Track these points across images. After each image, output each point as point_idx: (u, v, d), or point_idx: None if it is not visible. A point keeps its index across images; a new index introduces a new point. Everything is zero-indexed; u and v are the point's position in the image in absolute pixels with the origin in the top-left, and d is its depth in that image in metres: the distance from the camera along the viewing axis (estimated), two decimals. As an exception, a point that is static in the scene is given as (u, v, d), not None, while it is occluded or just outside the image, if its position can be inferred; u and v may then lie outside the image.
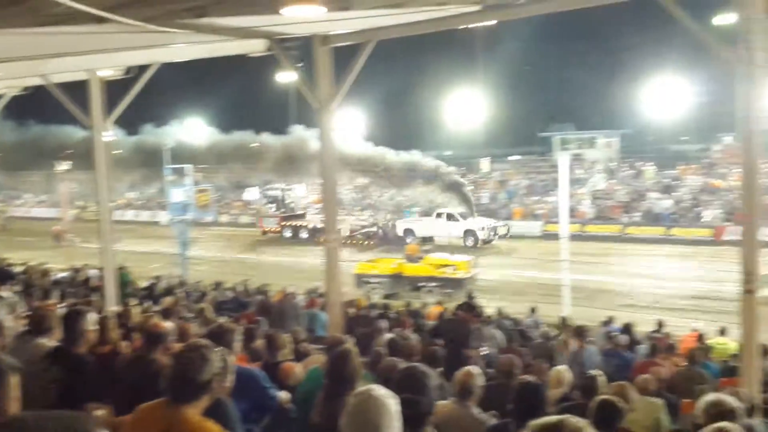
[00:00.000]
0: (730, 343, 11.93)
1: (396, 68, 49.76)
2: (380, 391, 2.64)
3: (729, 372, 9.33)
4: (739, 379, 8.10)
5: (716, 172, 39.55)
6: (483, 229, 34.73)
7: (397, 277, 23.55)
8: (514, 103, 54.24)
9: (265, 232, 40.67)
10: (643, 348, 10.81)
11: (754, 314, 8.02)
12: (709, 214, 35.13)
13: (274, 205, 42.62)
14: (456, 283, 22.59)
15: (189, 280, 21.09)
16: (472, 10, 9.70)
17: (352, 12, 9.03)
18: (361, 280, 23.18)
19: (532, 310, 14.29)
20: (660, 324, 13.33)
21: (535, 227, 37.20)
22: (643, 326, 13.93)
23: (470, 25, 11.03)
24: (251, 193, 48.23)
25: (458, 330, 8.90)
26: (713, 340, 12.47)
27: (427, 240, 34.43)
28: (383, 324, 9.70)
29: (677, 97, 46.13)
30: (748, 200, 8.21)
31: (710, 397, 3.84)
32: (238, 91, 54.35)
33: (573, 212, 36.84)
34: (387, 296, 21.52)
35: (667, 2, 8.31)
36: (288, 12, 7.38)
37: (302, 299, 13.86)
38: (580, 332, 9.66)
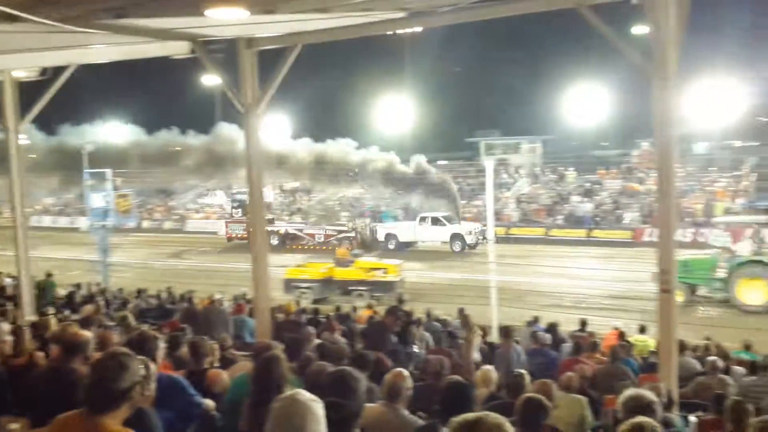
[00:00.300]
0: (649, 340, 12.39)
1: (325, 73, 49.56)
2: (305, 395, 2.61)
3: (649, 368, 9.67)
4: (658, 375, 8.42)
5: (635, 176, 41.11)
6: (470, 233, 33.75)
7: (327, 282, 23.47)
8: (442, 109, 54.94)
9: (230, 239, 38.79)
10: (567, 346, 11.09)
11: (671, 312, 8.35)
12: (628, 217, 36.53)
13: (240, 209, 39.81)
14: (386, 287, 22.71)
15: (110, 288, 20.47)
16: (396, 16, 9.80)
17: (278, 15, 8.96)
18: (290, 285, 22.97)
19: (460, 311, 14.45)
20: (583, 323, 13.69)
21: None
22: (568, 325, 14.31)
23: (395, 32, 11.09)
24: (218, 197, 46.05)
25: (380, 334, 8.94)
26: (634, 338, 12.91)
27: (409, 245, 34.03)
28: (312, 329, 9.62)
29: (598, 104, 47.69)
30: (664, 203, 8.55)
31: (629, 392, 3.96)
32: (165, 92, 53.01)
33: (499, 216, 37.72)
34: (317, 301, 21.41)
35: (587, 12, 8.58)
36: (211, 14, 7.27)
37: (229, 305, 13.61)
38: (506, 332, 9.83)
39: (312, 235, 36.64)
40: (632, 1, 8.63)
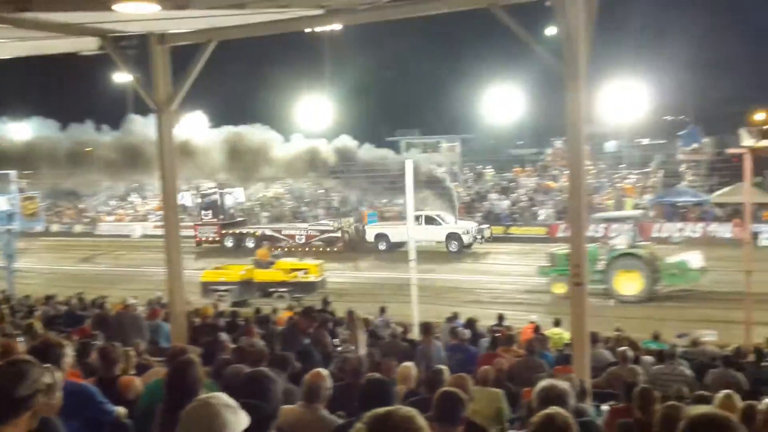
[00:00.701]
0: (564, 333, 12.76)
1: (242, 70, 48.94)
2: (219, 399, 2.54)
3: (564, 360, 9.95)
4: (572, 366, 8.68)
5: (549, 174, 42.36)
6: (467, 232, 32.70)
7: (246, 284, 23.08)
8: (363, 108, 55.03)
9: (200, 243, 36.45)
10: (485, 341, 11.31)
11: (583, 305, 8.62)
12: (543, 213, 37.61)
13: (209, 211, 37.60)
14: (308, 287, 22.56)
15: (16, 295, 19.51)
16: (315, 13, 9.72)
17: (191, 11, 8.73)
18: (207, 288, 22.47)
19: (381, 310, 14.55)
20: (501, 318, 14.00)
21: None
22: (486, 320, 14.59)
23: (314, 29, 11.03)
24: (185, 198, 44.14)
25: (295, 336, 8.90)
26: (549, 331, 13.27)
27: (399, 245, 31.97)
28: (230, 332, 9.47)
29: (515, 103, 48.80)
30: (575, 200, 8.82)
31: (543, 383, 4.05)
32: (76, 89, 50.82)
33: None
34: (236, 304, 21.04)
35: (500, 13, 8.75)
36: (120, 8, 7.02)
37: (144, 310, 13.21)
38: (427, 329, 9.93)
39: (292, 236, 35.19)
40: (546, 3, 8.86)
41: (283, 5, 9.14)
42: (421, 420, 2.36)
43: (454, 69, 55.01)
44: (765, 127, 16.34)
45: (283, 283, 22.84)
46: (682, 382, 8.61)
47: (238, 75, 50.37)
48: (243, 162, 30.42)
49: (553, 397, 3.76)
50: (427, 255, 29.67)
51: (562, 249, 23.05)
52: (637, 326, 15.58)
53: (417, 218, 31.71)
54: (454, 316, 13.95)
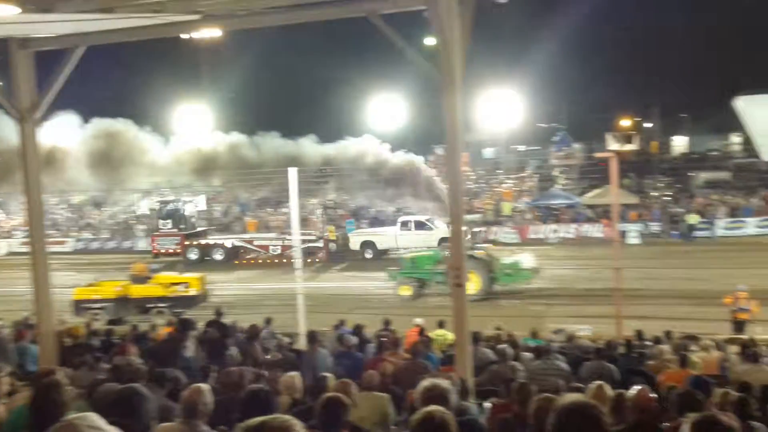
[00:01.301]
0: (448, 334, 13.00)
1: (115, 76, 46.98)
2: (82, 419, 2.40)
3: (448, 360, 10.16)
4: (455, 366, 8.88)
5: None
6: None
7: (122, 300, 22.03)
8: (245, 116, 54.15)
9: (157, 255, 33.69)
10: (372, 347, 11.35)
11: (464, 305, 8.86)
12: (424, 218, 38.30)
13: (168, 220, 34.52)
14: (189, 301, 21.87)
15: None
16: (190, 18, 9.48)
17: (56, 14, 8.29)
18: (80, 306, 21.27)
19: (267, 321, 14.30)
20: (387, 323, 14.10)
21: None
22: (373, 327, 14.64)
23: (190, 35, 10.75)
24: (142, 207, 39.85)
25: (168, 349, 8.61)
26: (434, 333, 13.50)
27: (383, 252, 31.16)
28: (105, 351, 9.02)
29: (398, 111, 49.46)
30: (454, 204, 9.06)
31: (424, 383, 4.10)
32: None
33: (306, 223, 37.83)
34: (111, 321, 20.03)
35: (378, 22, 8.85)
36: (-27, 9, 6.56)
37: (10, 332, 12.34)
38: (312, 338, 9.85)
39: (265, 248, 32.98)
40: (424, 14, 9.05)
41: (156, 10, 8.85)
42: (297, 428, 2.33)
43: (338, 76, 55.11)
44: (629, 133, 17.39)
45: (162, 298, 22.00)
46: (559, 375, 8.97)
47: (117, 80, 48.36)
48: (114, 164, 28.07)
49: (434, 396, 3.81)
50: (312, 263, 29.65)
51: (408, 253, 24.13)
52: (518, 324, 16.15)
53: (406, 224, 31.78)
54: (341, 323, 13.93)
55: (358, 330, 12.42)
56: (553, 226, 36.34)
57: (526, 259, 23.84)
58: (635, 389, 5.34)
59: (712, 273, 23.00)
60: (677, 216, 35.81)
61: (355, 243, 33.23)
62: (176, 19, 9.42)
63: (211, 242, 33.96)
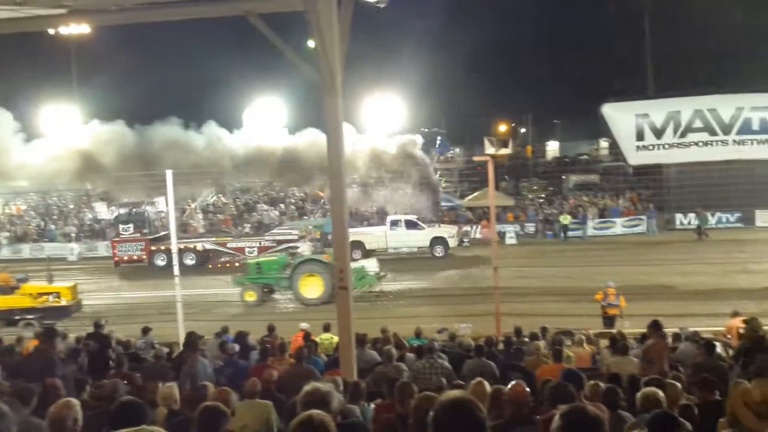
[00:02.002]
0: (334, 337, 12.97)
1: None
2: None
3: (334, 363, 10.13)
4: (340, 368, 8.87)
5: (318, 183, 43.12)
6: (452, 236, 31.02)
7: None
8: (117, 114, 51.84)
9: (119, 263, 31.14)
10: (256, 354, 11.14)
11: (348, 308, 8.87)
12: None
13: (130, 225, 31.93)
14: (60, 312, 20.69)
15: None
16: (56, 12, 9.00)
17: None
18: None
19: (144, 331, 13.75)
20: (271, 328, 13.89)
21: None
22: (258, 333, 14.38)
23: (57, 30, 10.17)
24: (101, 211, 35.57)
25: (38, 362, 8.11)
26: (320, 336, 13.43)
27: (371, 252, 29.59)
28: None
29: (282, 112, 48.81)
30: (337, 207, 9.06)
31: (306, 387, 4.06)
32: None
33: (186, 228, 36.74)
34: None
35: (257, 22, 8.72)
36: None
37: None
38: (191, 345, 9.55)
39: (241, 250, 30.70)
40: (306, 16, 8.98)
41: (18, 3, 8.34)
42: None
43: (221, 77, 53.80)
44: (505, 138, 18.09)
45: (30, 309, 20.67)
46: (441, 374, 9.16)
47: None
48: None
49: (315, 400, 3.77)
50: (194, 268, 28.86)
51: (254, 258, 24.23)
52: (403, 325, 16.36)
53: (396, 223, 31.04)
54: (224, 331, 13.57)
55: (241, 337, 12.15)
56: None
57: (371, 264, 24.45)
58: (512, 384, 5.51)
59: (584, 271, 24.25)
60: (551, 217, 37.56)
61: None
62: (41, 12, 8.93)
63: (181, 246, 31.01)
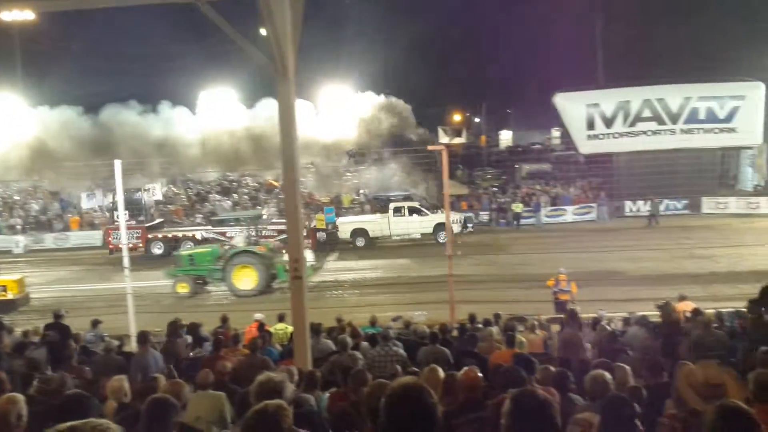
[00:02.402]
0: (289, 327, 12.91)
1: None
2: None
3: (288, 353, 10.08)
4: (294, 358, 8.83)
5: (272, 172, 42.77)
6: (456, 222, 30.35)
7: None
8: (66, 100, 50.46)
9: (114, 250, 29.20)
10: (208, 345, 11.02)
11: (302, 298, 8.82)
12: (266, 212, 37.86)
13: (126, 212, 29.98)
14: (7, 306, 20.15)
15: None
16: (-3, -3, 8.69)
17: None
18: None
19: (94, 324, 13.46)
20: (224, 319, 13.75)
21: (96, 237, 35.19)
22: (211, 324, 14.22)
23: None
24: (94, 198, 33.63)
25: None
26: (274, 327, 13.35)
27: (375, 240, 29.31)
28: None
29: (235, 101, 48.13)
30: (289, 196, 8.98)
31: (260, 377, 4.03)
32: None
33: (137, 218, 35.98)
34: None
35: (208, 10, 8.56)
36: None
37: None
38: (143, 339, 9.39)
39: None
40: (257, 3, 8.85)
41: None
42: (112, 430, 2.19)
43: (175, 66, 52.70)
44: (459, 127, 18.17)
45: None
46: (396, 362, 9.20)
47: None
48: None
49: (268, 390, 3.75)
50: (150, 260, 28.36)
51: (186, 250, 24.08)
52: (359, 313, 16.39)
53: (399, 210, 30.93)
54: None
55: (193, 328, 12.00)
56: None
57: (307, 256, 24.21)
58: (464, 370, 5.56)
59: (536, 258, 24.61)
60: (504, 205, 37.99)
61: (344, 231, 31.79)
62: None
63: (179, 234, 30.90)
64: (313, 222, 31.90)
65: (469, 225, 34.16)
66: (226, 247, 24.37)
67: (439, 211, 32.15)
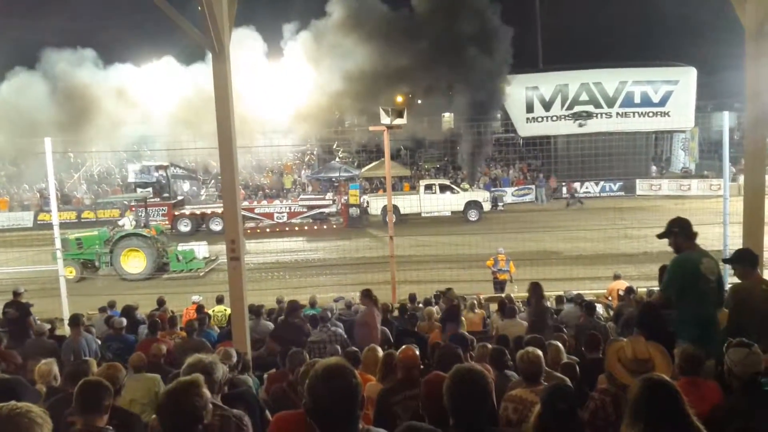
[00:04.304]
0: (228, 309, 12.78)
1: None
2: None
3: (227, 335, 9.98)
4: (233, 340, 8.74)
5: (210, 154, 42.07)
6: (486, 200, 31.21)
7: None
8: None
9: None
10: (144, 328, 10.83)
11: (240, 279, 8.71)
12: (204, 194, 37.30)
13: (149, 189, 29.80)
14: None
15: None
16: None
17: None
18: None
19: (25, 308, 13.03)
20: (160, 302, 13.52)
21: (27, 218, 34.13)
22: (148, 307, 13.97)
23: None
24: (132, 175, 31.45)
25: None
26: (213, 309, 13.21)
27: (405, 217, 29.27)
28: None
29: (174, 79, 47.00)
30: (227, 176, 8.84)
31: (189, 359, 3.96)
32: None
33: (70, 199, 35.05)
34: None
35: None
36: None
37: None
38: (75, 322, 9.15)
39: (269, 215, 30.33)
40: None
41: None
42: (33, 414, 2.12)
43: (104, 44, 50.91)
44: (400, 108, 18.19)
45: None
46: (336, 342, 9.20)
47: None
48: None
49: (197, 371, 3.68)
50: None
51: (72, 233, 23.80)
52: (301, 294, 16.33)
53: (430, 187, 31.56)
54: (110, 305, 13.10)
55: (128, 311, 11.75)
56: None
57: (201, 249, 24.30)
58: (402, 348, 5.59)
59: (476, 238, 24.88)
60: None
61: (375, 207, 32.08)
62: None
63: (208, 211, 30.43)
64: (344, 197, 32.07)
65: (500, 204, 35.03)
66: (114, 230, 23.88)
67: (471, 188, 33.60)
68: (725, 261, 7.14)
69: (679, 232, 6.07)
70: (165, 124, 26.46)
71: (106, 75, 26.20)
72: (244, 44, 27.39)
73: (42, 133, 16.43)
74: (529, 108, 39.68)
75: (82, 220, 32.78)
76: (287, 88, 32.24)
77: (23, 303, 11.37)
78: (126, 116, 25.48)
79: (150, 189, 30.38)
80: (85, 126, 24.31)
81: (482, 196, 32.74)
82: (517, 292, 15.88)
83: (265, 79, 32.60)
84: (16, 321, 10.73)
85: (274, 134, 30.02)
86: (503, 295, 15.15)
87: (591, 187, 38.61)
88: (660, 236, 6.19)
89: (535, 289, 10.05)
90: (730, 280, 7.27)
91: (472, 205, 31.88)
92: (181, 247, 23.93)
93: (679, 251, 6.06)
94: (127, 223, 24.01)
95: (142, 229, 23.40)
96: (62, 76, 24.61)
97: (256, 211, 31.35)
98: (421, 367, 5.25)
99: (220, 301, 13.56)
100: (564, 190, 38.48)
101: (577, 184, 38.06)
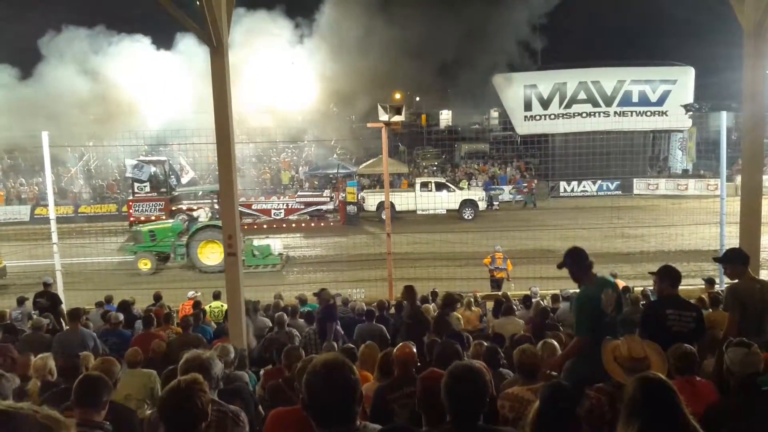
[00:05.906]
0: (225, 305, 12.76)
1: None
2: None
3: (223, 331, 9.97)
4: (230, 336, 8.74)
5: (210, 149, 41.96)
6: (481, 199, 31.31)
7: None
8: None
9: (133, 223, 27.67)
10: (140, 323, 10.82)
11: (237, 275, 8.71)
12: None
13: (146, 183, 28.83)
14: None
15: None
16: None
17: None
18: None
19: (20, 301, 13.01)
20: (157, 297, 13.50)
21: (24, 211, 34.13)
22: (144, 303, 13.93)
23: None
24: (128, 168, 30.35)
25: None
26: (209, 305, 13.18)
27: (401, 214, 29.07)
28: None
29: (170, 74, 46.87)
30: (225, 173, 8.83)
31: (187, 355, 3.96)
32: None
33: (66, 194, 35.00)
34: None
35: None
36: None
37: None
38: (73, 315, 9.13)
39: (266, 212, 30.11)
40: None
41: None
42: (24, 411, 2.09)
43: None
44: (399, 105, 18.16)
45: None
46: (333, 338, 9.21)
47: None
48: None
49: (194, 367, 3.68)
50: (79, 234, 27.54)
51: (145, 226, 23.71)
52: (299, 291, 16.32)
53: (426, 185, 31.58)
54: (107, 300, 13.08)
55: (124, 306, 11.74)
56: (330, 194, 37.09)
57: (276, 244, 24.12)
58: (399, 346, 5.60)
59: (473, 236, 24.89)
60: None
61: (371, 204, 32.23)
62: None
63: (187, 208, 29.42)
64: (342, 195, 32.11)
65: (495, 203, 34.88)
66: (187, 221, 23.76)
67: (466, 188, 33.58)
68: (716, 260, 7.14)
69: (572, 263, 5.82)
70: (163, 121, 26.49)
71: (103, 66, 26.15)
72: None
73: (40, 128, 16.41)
74: (527, 106, 39.67)
75: (79, 214, 32.73)
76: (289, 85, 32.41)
77: (53, 293, 11.58)
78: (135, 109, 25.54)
79: (146, 184, 29.48)
80: (82, 119, 24.32)
81: (478, 195, 32.75)
82: (514, 290, 15.90)
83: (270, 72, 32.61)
84: (47, 310, 11.10)
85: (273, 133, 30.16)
86: (500, 292, 15.18)
87: (588, 186, 38.63)
88: (558, 267, 6.05)
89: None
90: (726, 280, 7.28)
91: (468, 203, 31.97)
92: (257, 242, 23.67)
93: (578, 282, 5.88)
94: (203, 215, 23.96)
95: (218, 220, 22.77)
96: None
97: (254, 207, 31.30)
98: (418, 364, 5.26)
99: (216, 296, 13.54)
100: (562, 188, 38.51)
101: (574, 183, 38.07)
